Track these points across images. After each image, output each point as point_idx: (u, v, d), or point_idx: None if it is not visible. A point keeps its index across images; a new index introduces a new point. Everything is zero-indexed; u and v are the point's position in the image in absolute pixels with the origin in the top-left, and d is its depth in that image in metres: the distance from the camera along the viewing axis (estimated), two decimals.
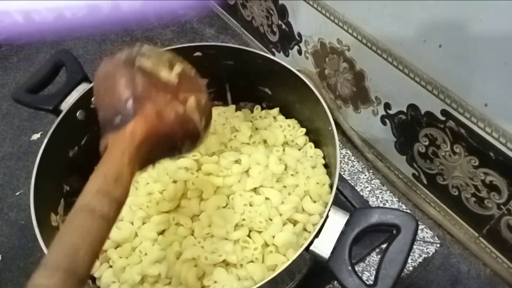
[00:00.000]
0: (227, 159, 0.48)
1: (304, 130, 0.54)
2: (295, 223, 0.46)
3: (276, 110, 0.56)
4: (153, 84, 0.28)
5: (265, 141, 0.52)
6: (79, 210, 0.24)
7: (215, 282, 0.43)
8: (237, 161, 0.49)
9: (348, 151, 0.63)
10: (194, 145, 0.33)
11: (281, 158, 0.50)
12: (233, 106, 0.57)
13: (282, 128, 0.53)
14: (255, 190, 0.48)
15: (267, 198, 0.46)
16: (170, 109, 0.28)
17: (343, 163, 0.62)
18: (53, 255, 0.23)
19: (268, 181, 0.47)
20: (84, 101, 0.51)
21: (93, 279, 0.46)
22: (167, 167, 0.48)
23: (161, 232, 0.47)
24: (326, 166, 0.51)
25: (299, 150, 0.53)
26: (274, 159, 0.49)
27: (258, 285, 0.37)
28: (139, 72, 0.28)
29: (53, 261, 0.23)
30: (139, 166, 0.28)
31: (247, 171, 0.49)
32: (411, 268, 0.52)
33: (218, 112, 0.55)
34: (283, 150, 0.52)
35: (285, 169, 0.49)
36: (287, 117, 0.56)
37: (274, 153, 0.50)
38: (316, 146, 0.53)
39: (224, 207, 0.47)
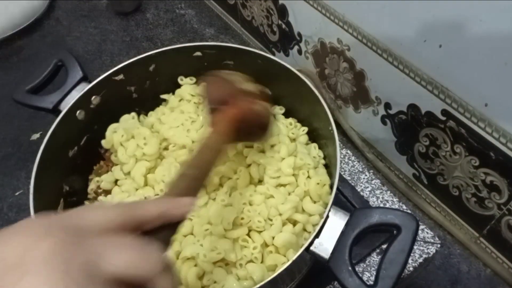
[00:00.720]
0: None
1: (306, 129, 0.54)
2: (295, 223, 0.46)
3: (278, 109, 0.56)
4: (238, 90, 0.45)
5: None
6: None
7: (215, 282, 0.43)
8: None
9: (348, 151, 0.63)
10: (264, 133, 0.48)
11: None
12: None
13: (284, 125, 0.53)
14: (255, 189, 0.48)
15: (266, 197, 0.46)
16: (246, 104, 0.44)
17: (343, 163, 0.62)
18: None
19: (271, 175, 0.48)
20: (84, 101, 0.51)
21: None
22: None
23: None
24: (326, 166, 0.51)
25: None
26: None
27: (258, 285, 0.37)
28: (231, 82, 0.46)
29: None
30: (231, 136, 0.41)
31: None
32: (411, 269, 0.52)
33: None
34: None
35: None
36: (287, 117, 0.56)
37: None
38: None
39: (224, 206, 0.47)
